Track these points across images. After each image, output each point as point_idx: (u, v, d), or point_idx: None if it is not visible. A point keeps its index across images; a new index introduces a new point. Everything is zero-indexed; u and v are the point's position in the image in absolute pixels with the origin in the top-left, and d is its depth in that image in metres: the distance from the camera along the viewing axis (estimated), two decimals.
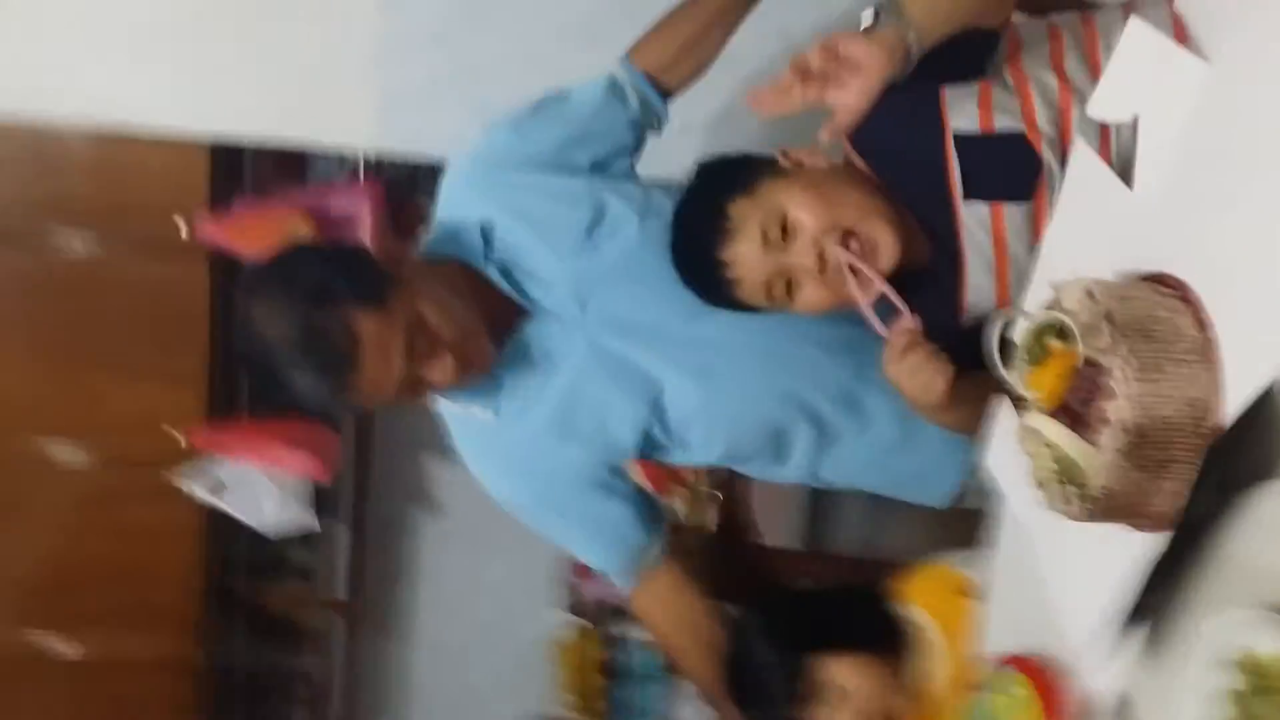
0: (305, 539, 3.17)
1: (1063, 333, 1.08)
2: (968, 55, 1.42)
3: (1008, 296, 1.50)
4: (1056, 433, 1.06)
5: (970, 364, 1.40)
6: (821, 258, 1.43)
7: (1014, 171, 1.44)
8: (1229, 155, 1.01)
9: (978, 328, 1.52)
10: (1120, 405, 1.00)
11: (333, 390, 1.47)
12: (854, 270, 1.43)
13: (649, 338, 1.65)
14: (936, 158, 1.47)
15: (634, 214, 1.64)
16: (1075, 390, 1.05)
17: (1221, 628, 0.88)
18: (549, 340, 1.65)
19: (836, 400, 1.68)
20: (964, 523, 1.76)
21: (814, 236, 1.43)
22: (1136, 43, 1.12)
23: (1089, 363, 1.03)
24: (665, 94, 1.70)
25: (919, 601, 1.68)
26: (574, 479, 1.68)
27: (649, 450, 1.70)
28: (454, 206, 1.70)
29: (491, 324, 1.60)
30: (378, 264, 1.56)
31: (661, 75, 1.69)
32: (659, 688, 3.55)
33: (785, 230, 1.44)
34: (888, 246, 1.44)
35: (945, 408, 1.45)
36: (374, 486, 3.44)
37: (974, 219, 1.48)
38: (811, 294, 1.47)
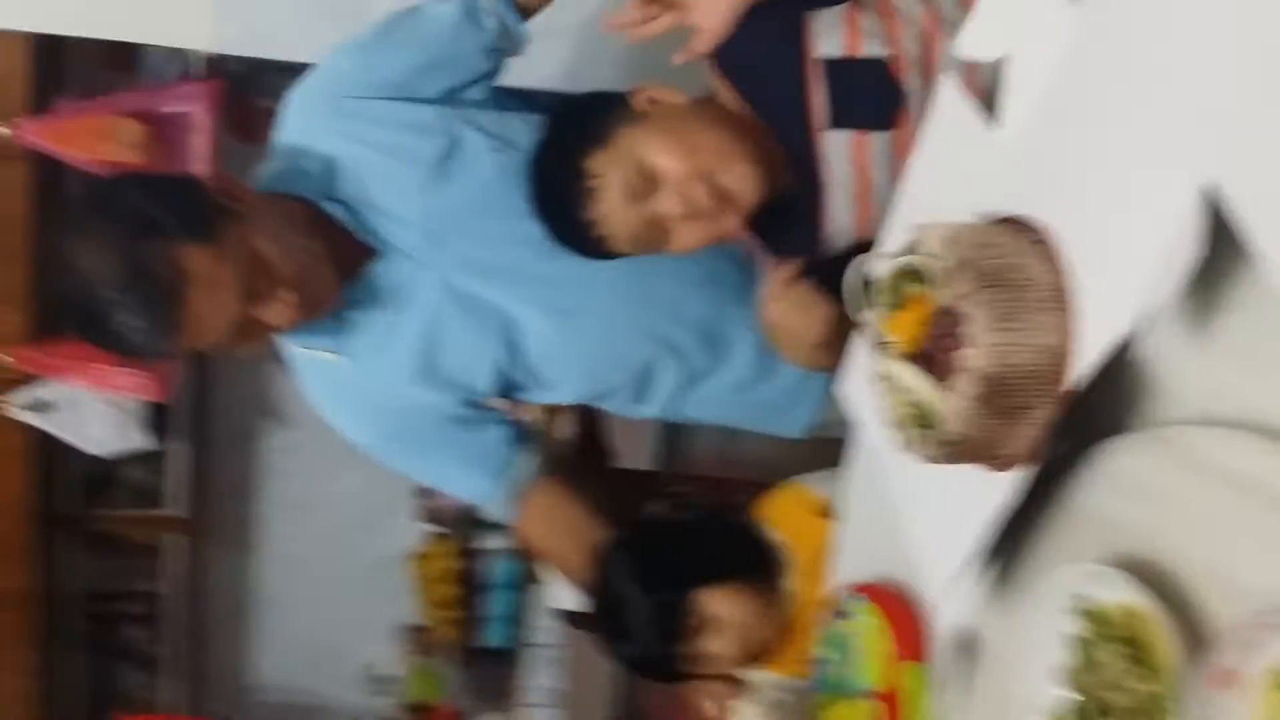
0: (144, 457, 3.06)
1: (921, 276, 1.07)
2: None
3: (869, 226, 1.50)
4: (912, 378, 1.05)
5: (829, 293, 1.41)
6: (689, 203, 1.40)
7: (877, 100, 1.42)
8: (1094, 98, 1.00)
9: (837, 258, 1.54)
10: (976, 353, 0.99)
11: (159, 332, 1.38)
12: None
13: (504, 276, 1.59)
14: (799, 83, 1.44)
15: (489, 147, 1.57)
16: (932, 336, 1.04)
17: (1069, 578, 0.90)
18: (400, 279, 1.58)
19: (697, 335, 1.66)
20: (821, 443, 1.79)
21: (677, 183, 1.40)
22: None
23: (946, 310, 1.03)
24: (525, 11, 1.61)
25: (779, 523, 1.69)
26: (433, 419, 1.64)
27: (507, 390, 1.66)
28: (295, 139, 1.59)
29: (338, 264, 1.53)
30: (209, 195, 1.46)
31: None
32: (518, 596, 3.58)
33: (647, 179, 1.41)
34: (749, 189, 1.42)
35: (821, 346, 1.44)
36: (215, 400, 3.34)
37: (836, 148, 1.46)
38: (685, 237, 1.44)
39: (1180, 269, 0.86)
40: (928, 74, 1.41)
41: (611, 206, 1.41)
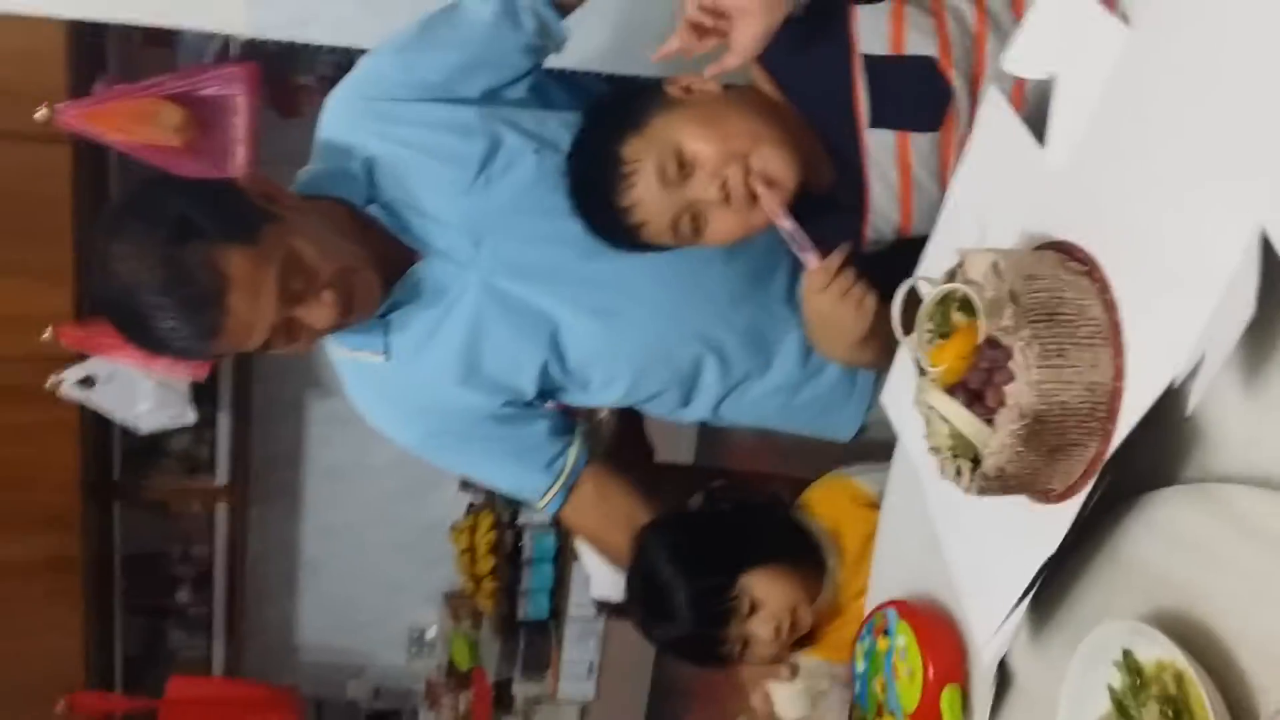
0: (191, 428, 3.10)
1: (966, 305, 1.05)
2: None
3: (910, 225, 1.48)
4: (953, 411, 1.03)
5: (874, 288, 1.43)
6: (724, 188, 1.39)
7: (923, 100, 1.40)
8: (1146, 126, 0.97)
9: (878, 255, 1.52)
10: (1019, 389, 0.97)
11: (200, 335, 1.37)
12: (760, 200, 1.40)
13: (546, 277, 1.57)
14: (844, 81, 1.42)
15: (530, 147, 1.55)
16: (976, 368, 1.02)
17: (1112, 632, 0.89)
18: (441, 281, 1.57)
19: (742, 337, 1.64)
20: (861, 445, 1.77)
21: (714, 168, 1.38)
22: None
23: (991, 341, 1.01)
24: (562, 8, 1.59)
25: (824, 512, 1.69)
26: (477, 418, 1.63)
27: (550, 391, 1.65)
28: (335, 142, 1.58)
29: (379, 266, 1.52)
30: (247, 197, 1.45)
31: None
32: (553, 569, 3.61)
33: (683, 165, 1.39)
34: (784, 175, 1.40)
35: (864, 341, 1.43)
36: (260, 372, 3.37)
37: (880, 146, 1.44)
38: (721, 225, 1.42)
39: (1239, 316, 0.83)
40: (975, 76, 1.38)
41: (646, 192, 1.39)
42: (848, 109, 1.43)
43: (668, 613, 1.60)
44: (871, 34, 1.39)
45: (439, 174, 1.54)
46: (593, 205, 1.46)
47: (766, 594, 1.58)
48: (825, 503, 1.70)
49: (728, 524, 1.71)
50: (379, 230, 1.54)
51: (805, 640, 1.66)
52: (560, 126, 1.54)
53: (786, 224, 1.41)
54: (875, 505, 1.60)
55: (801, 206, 1.56)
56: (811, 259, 1.43)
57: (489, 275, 1.57)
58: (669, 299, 1.60)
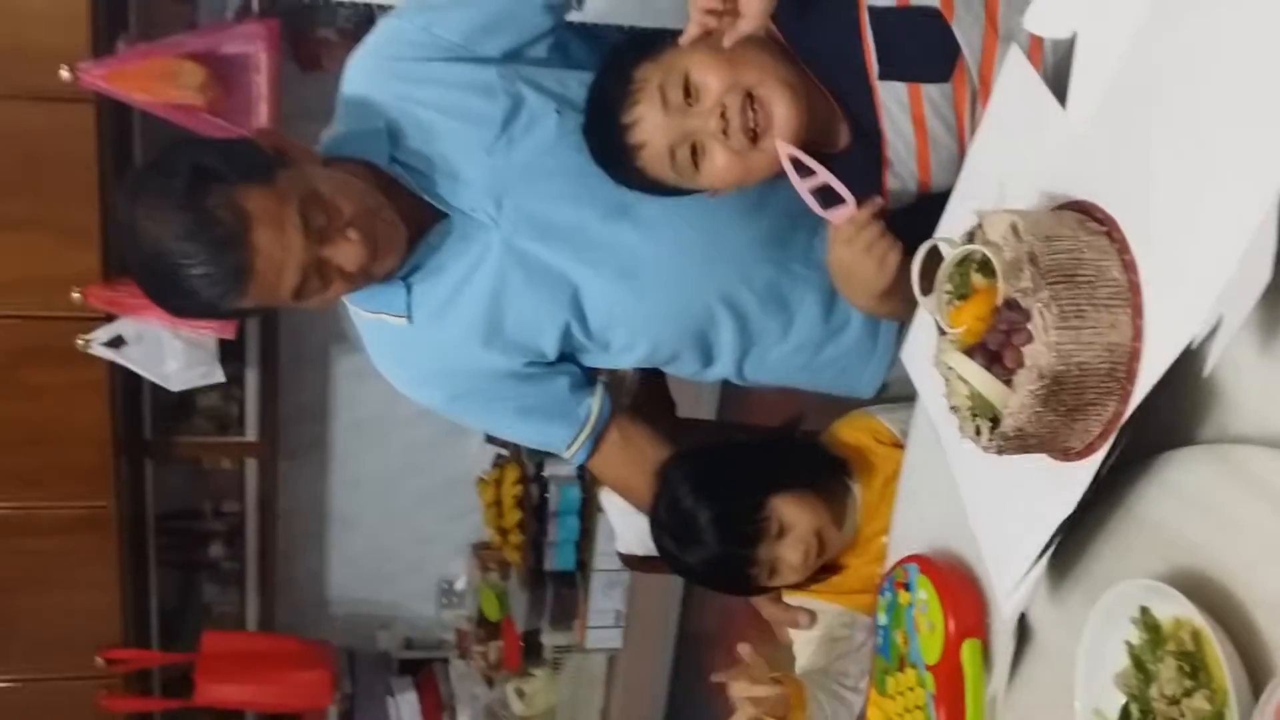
0: (220, 384, 3.13)
1: (986, 267, 1.06)
2: None
3: (929, 179, 1.47)
4: (972, 372, 1.04)
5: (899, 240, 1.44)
6: (724, 118, 1.39)
7: (931, 51, 1.39)
8: (1167, 88, 0.97)
9: (902, 212, 1.52)
10: (1038, 350, 0.98)
11: (231, 278, 1.37)
12: (795, 161, 1.40)
13: (567, 237, 1.58)
14: (852, 35, 1.41)
15: (551, 107, 1.55)
16: (995, 329, 1.03)
17: (1130, 590, 0.90)
18: (463, 241, 1.57)
19: (762, 296, 1.64)
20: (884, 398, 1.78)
21: (716, 98, 1.39)
22: None
23: (1010, 303, 1.01)
24: None
25: (846, 444, 1.70)
26: (500, 377, 1.64)
27: (572, 351, 1.66)
28: (357, 103, 1.58)
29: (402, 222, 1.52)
30: (261, 146, 1.46)
31: None
32: (578, 521, 3.64)
33: (688, 93, 1.40)
34: (784, 116, 1.39)
35: (887, 293, 1.43)
36: (286, 327, 3.39)
37: (892, 99, 1.43)
38: (720, 160, 1.41)
39: (1258, 278, 0.83)
40: (985, 28, 1.36)
41: (648, 112, 1.40)
42: (859, 63, 1.42)
43: (696, 536, 1.60)
44: None
45: (461, 133, 1.54)
46: (597, 121, 1.47)
47: (795, 517, 1.59)
48: (850, 437, 1.72)
49: (751, 452, 1.73)
50: (401, 190, 1.54)
51: (828, 569, 1.67)
52: (581, 86, 1.54)
53: (813, 173, 1.41)
54: (898, 443, 1.62)
55: (821, 162, 1.56)
56: (838, 213, 1.43)
57: (511, 235, 1.57)
58: (690, 260, 1.61)
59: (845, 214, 1.43)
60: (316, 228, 1.41)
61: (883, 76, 1.42)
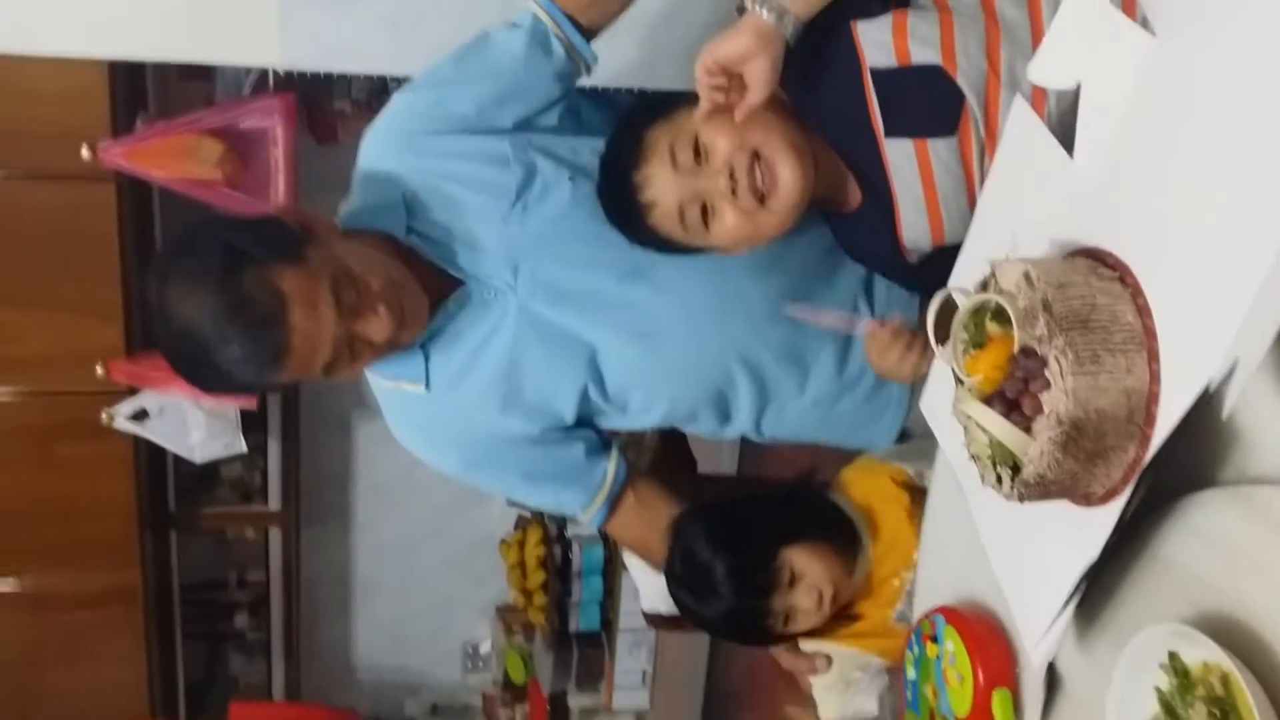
0: (243, 455, 3.14)
1: (1000, 315, 1.06)
2: None
3: (942, 233, 1.49)
4: (991, 420, 1.04)
5: (926, 294, 1.46)
6: (732, 178, 1.42)
7: (935, 106, 1.41)
8: (1174, 135, 0.98)
9: (921, 265, 1.53)
10: (1056, 397, 0.98)
11: (268, 358, 1.39)
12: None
13: (583, 302, 1.60)
14: (857, 97, 1.44)
15: (564, 174, 1.58)
16: (1012, 377, 1.03)
17: (1157, 634, 0.90)
18: (480, 309, 1.60)
19: (777, 354, 1.66)
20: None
21: (725, 158, 1.42)
22: (1081, 7, 1.07)
23: (1026, 351, 1.02)
24: (589, 34, 1.61)
25: (855, 492, 1.72)
26: (519, 443, 1.65)
27: (591, 414, 1.67)
28: (374, 177, 1.61)
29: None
30: (289, 225, 1.48)
31: (584, 13, 1.59)
32: (602, 581, 3.62)
33: (697, 153, 1.43)
34: (789, 177, 1.43)
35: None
36: (304, 396, 3.41)
37: (900, 156, 1.45)
38: (729, 220, 1.44)
39: (1272, 320, 0.84)
40: (990, 80, 1.38)
41: (658, 171, 1.44)
42: (864, 122, 1.45)
43: (711, 588, 1.63)
44: (876, 48, 1.41)
45: (477, 203, 1.57)
46: (610, 182, 1.50)
47: (806, 566, 1.61)
48: (859, 484, 1.73)
49: (763, 505, 1.74)
50: (419, 259, 1.57)
51: (842, 615, 1.68)
52: (593, 154, 1.56)
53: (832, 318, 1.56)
54: (907, 485, 1.66)
55: (836, 224, 1.59)
56: (862, 325, 1.54)
57: (527, 301, 1.59)
58: (705, 320, 1.62)
59: (869, 327, 1.54)
60: (348, 304, 1.43)
61: (888, 134, 1.44)
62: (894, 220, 1.50)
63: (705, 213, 1.45)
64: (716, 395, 1.67)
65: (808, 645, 1.73)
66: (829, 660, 1.72)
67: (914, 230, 1.50)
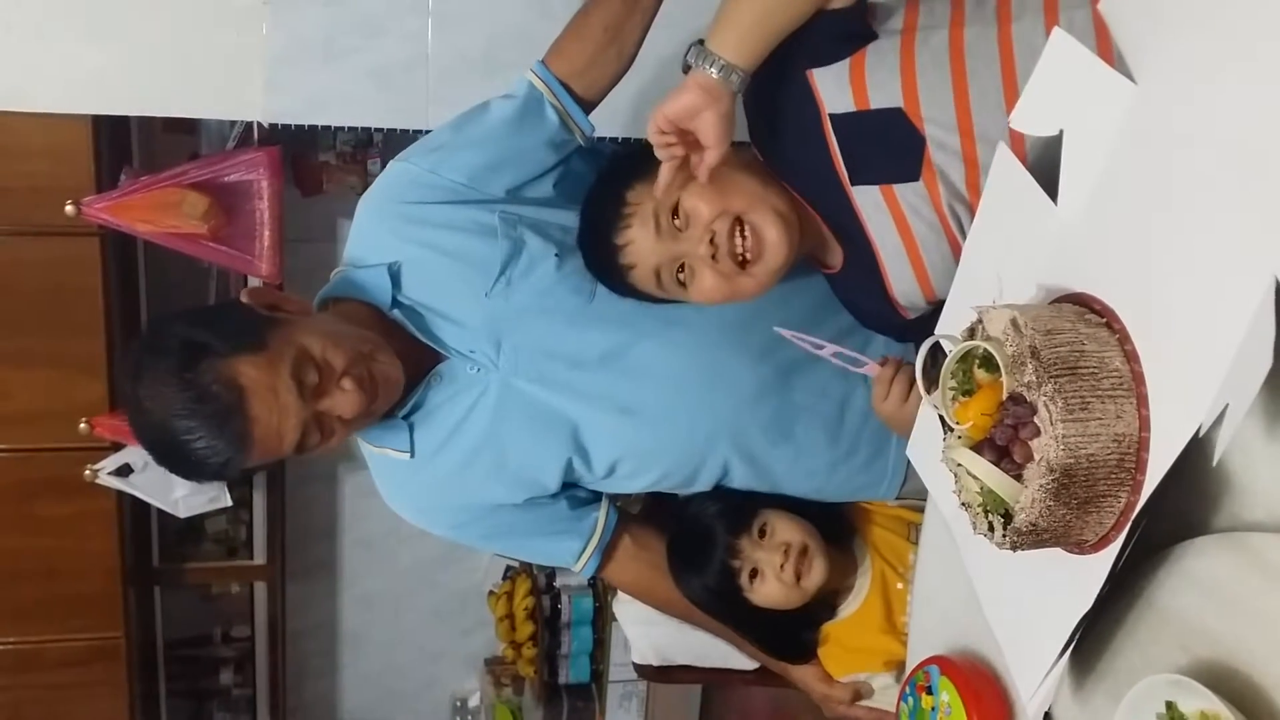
0: (227, 509, 3.11)
1: (988, 359, 1.06)
2: (826, 35, 1.39)
3: (929, 283, 1.49)
4: (981, 468, 1.04)
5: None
6: (713, 243, 1.43)
7: (896, 150, 1.40)
8: (1156, 178, 0.99)
9: (924, 320, 1.54)
10: (1046, 444, 0.98)
11: (232, 448, 1.41)
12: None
13: (565, 378, 1.60)
14: (820, 144, 1.44)
15: (551, 251, 1.58)
16: (1001, 424, 1.03)
17: (1150, 684, 0.89)
18: (462, 382, 1.60)
19: (767, 430, 1.66)
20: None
21: (705, 224, 1.43)
22: (1061, 55, 1.08)
23: (1015, 397, 1.01)
24: (586, 104, 1.63)
25: (863, 529, 1.78)
26: (504, 508, 1.65)
27: (573, 482, 1.67)
28: (364, 246, 1.62)
29: (403, 366, 1.55)
30: (248, 309, 1.49)
31: (580, 79, 1.61)
32: (591, 632, 3.59)
33: (676, 216, 1.44)
34: (775, 240, 1.44)
35: None
36: None
37: (870, 205, 1.46)
38: (708, 282, 1.45)
39: (1259, 365, 0.84)
40: (960, 122, 1.37)
41: (639, 236, 1.45)
42: (831, 172, 1.45)
43: (694, 524, 1.72)
44: (835, 93, 1.40)
45: (461, 276, 1.57)
46: (592, 240, 1.52)
47: (780, 525, 1.68)
48: (867, 521, 1.79)
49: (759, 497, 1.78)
50: (402, 332, 1.57)
51: (824, 611, 1.75)
52: None
53: (829, 351, 1.54)
54: (908, 535, 1.73)
55: (830, 282, 1.59)
56: (868, 369, 1.54)
57: (509, 376, 1.59)
58: (692, 398, 1.62)
59: (870, 369, 1.54)
60: (310, 385, 1.44)
61: (853, 181, 1.44)
62: (880, 274, 1.50)
63: (682, 271, 1.46)
64: (705, 469, 1.67)
65: (845, 676, 1.78)
66: (871, 687, 1.76)
67: (902, 282, 1.50)
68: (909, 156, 1.39)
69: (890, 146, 1.40)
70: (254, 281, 2.61)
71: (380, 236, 1.60)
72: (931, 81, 1.36)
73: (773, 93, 1.42)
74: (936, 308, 1.47)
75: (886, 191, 1.43)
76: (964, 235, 1.42)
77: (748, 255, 1.43)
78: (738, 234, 1.43)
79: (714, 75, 1.34)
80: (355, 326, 1.53)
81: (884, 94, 1.38)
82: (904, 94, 1.36)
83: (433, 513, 1.69)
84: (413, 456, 1.62)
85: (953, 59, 1.36)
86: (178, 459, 1.44)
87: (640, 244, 1.45)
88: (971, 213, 1.39)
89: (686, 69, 1.36)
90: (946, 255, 1.44)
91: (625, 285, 1.50)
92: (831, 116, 1.41)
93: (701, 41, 1.35)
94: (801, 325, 1.57)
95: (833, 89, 1.40)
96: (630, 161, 1.51)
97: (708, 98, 1.33)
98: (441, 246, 1.57)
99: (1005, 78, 1.32)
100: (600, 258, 1.51)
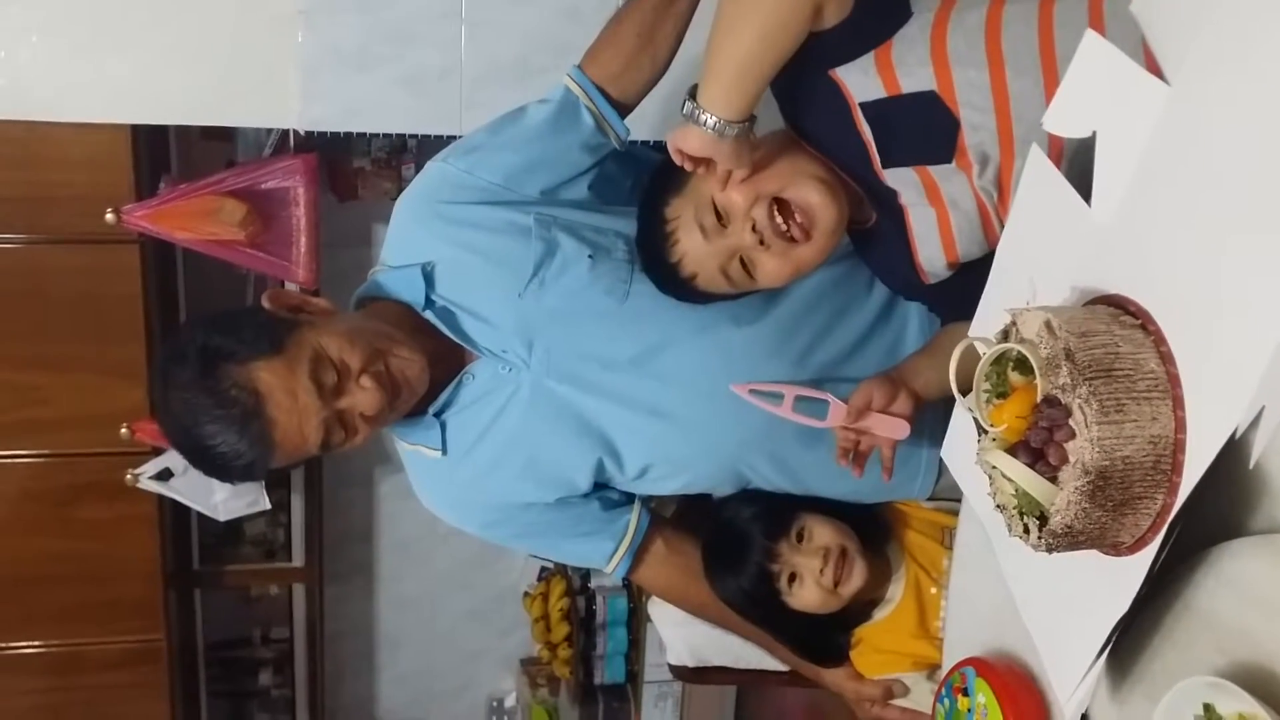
0: (266, 512, 3.15)
1: (1022, 362, 1.06)
2: (839, 39, 1.37)
3: (954, 250, 1.49)
4: (1017, 471, 1.04)
5: (947, 313, 1.58)
6: (755, 230, 1.44)
7: (929, 132, 1.39)
8: (1192, 179, 0.98)
9: (941, 285, 1.54)
10: (1081, 446, 0.98)
11: (256, 449, 1.43)
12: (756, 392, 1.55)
13: (597, 379, 1.61)
14: (852, 132, 1.44)
15: (584, 252, 1.59)
16: (1036, 426, 1.03)
17: (1187, 687, 0.88)
18: (494, 382, 1.61)
19: (800, 435, 1.65)
20: None
21: (743, 213, 1.44)
22: (1094, 57, 1.07)
23: (1049, 399, 1.01)
24: (621, 108, 1.63)
25: (898, 533, 1.77)
26: (531, 506, 1.66)
27: (605, 483, 1.68)
28: (400, 245, 1.64)
29: (436, 364, 1.56)
30: (267, 313, 1.51)
31: (615, 84, 1.62)
32: (626, 633, 3.60)
33: (719, 215, 1.45)
34: (820, 203, 1.44)
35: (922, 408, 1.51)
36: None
37: (903, 183, 1.46)
38: (769, 265, 1.46)
39: None
40: (998, 108, 1.36)
41: (690, 245, 1.47)
42: (864, 156, 1.45)
43: (731, 530, 1.71)
44: (862, 83, 1.40)
45: (495, 277, 1.59)
46: (655, 268, 1.53)
47: (819, 529, 1.68)
48: (904, 524, 1.78)
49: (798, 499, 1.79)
50: (435, 331, 1.58)
51: (860, 615, 1.75)
52: (617, 237, 1.59)
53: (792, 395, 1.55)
54: (941, 530, 1.72)
55: (858, 241, 1.59)
56: (830, 414, 1.54)
57: (541, 377, 1.60)
58: (723, 402, 1.61)
59: (836, 413, 1.52)
60: (329, 385, 1.45)
61: (885, 165, 1.45)
62: (908, 237, 1.50)
63: (745, 262, 1.47)
64: (737, 473, 1.68)
65: (877, 676, 1.78)
66: (905, 686, 1.76)
67: (929, 251, 1.50)
68: (943, 139, 1.39)
69: (923, 130, 1.40)
70: (289, 285, 2.64)
71: (415, 236, 1.61)
72: (965, 63, 1.35)
73: (798, 88, 1.42)
74: (953, 274, 1.51)
75: (921, 171, 1.43)
76: (996, 214, 1.43)
77: (794, 233, 1.44)
78: (777, 214, 1.43)
79: (709, 132, 1.35)
80: (377, 323, 1.54)
81: (915, 79, 1.37)
82: (937, 77, 1.36)
83: (465, 510, 1.70)
84: (445, 454, 1.63)
85: (989, 39, 1.35)
86: (205, 461, 1.47)
87: (693, 252, 1.46)
88: (1004, 194, 1.39)
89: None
90: (976, 225, 1.45)
91: (700, 294, 1.52)
92: (861, 105, 1.41)
93: (695, 91, 1.36)
94: (830, 326, 1.57)
95: (859, 80, 1.40)
96: (658, 181, 1.51)
97: (711, 145, 1.36)
98: (476, 246, 1.58)
99: (1044, 56, 1.31)
100: (667, 280, 1.52)
